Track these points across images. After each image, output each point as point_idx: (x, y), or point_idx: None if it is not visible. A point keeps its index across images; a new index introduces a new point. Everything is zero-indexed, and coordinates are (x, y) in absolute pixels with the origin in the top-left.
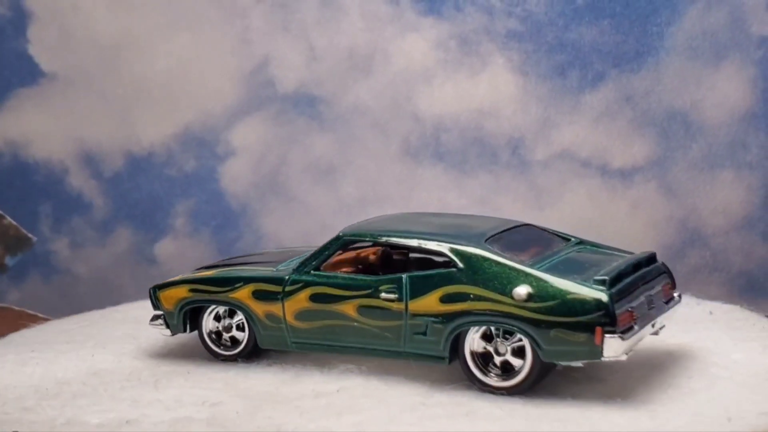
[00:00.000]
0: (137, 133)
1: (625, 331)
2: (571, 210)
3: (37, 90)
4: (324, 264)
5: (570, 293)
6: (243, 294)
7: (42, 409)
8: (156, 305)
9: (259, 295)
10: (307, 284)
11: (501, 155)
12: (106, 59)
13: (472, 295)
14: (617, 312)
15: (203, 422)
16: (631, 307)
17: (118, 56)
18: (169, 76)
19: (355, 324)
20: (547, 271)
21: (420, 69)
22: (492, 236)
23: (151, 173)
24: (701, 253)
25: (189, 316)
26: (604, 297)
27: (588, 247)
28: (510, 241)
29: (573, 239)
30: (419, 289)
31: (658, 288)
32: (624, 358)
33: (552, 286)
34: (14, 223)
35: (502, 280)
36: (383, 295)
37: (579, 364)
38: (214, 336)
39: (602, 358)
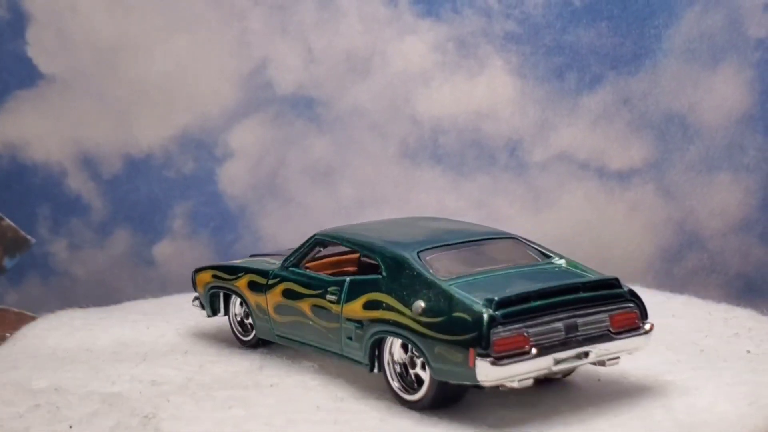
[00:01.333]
0: (135, 135)
1: (507, 357)
2: (569, 212)
3: (36, 92)
4: (304, 261)
5: (456, 311)
6: (241, 283)
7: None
8: (194, 287)
9: (251, 286)
10: (282, 279)
11: (499, 157)
12: (104, 61)
13: (384, 304)
14: (493, 334)
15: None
16: (528, 333)
17: (117, 58)
18: (168, 78)
19: (310, 322)
20: (462, 286)
21: (418, 71)
22: (439, 245)
23: (149, 175)
24: (699, 255)
25: (220, 300)
26: (481, 317)
27: (561, 267)
28: (463, 252)
29: (554, 257)
30: (353, 293)
31: (600, 316)
32: (516, 385)
33: (445, 303)
34: (13, 224)
35: (410, 292)
36: (328, 296)
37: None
38: (238, 321)
39: (478, 383)
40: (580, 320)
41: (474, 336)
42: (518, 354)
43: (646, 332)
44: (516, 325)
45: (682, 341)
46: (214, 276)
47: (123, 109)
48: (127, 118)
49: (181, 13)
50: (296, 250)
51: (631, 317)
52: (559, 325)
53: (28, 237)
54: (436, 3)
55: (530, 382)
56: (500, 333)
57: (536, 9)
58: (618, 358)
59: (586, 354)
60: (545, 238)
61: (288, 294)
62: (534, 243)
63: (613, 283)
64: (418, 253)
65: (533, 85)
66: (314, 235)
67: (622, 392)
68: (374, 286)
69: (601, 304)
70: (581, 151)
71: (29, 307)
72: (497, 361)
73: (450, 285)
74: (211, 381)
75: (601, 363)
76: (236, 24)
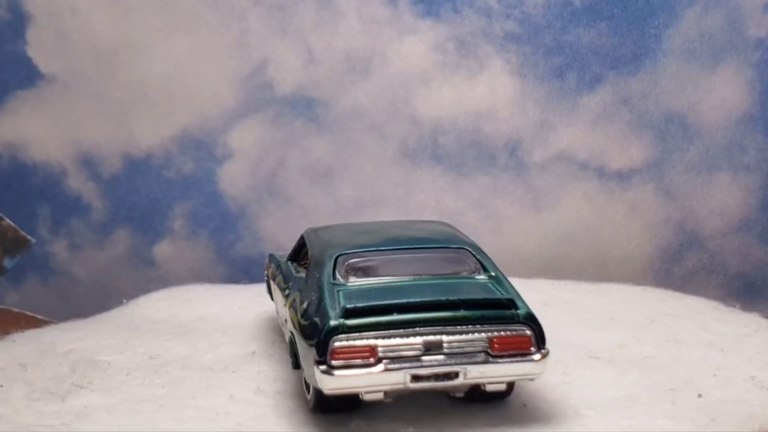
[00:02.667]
0: (135, 136)
1: (348, 367)
2: (569, 212)
3: (35, 92)
4: (300, 256)
5: (317, 316)
6: (270, 272)
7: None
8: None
9: (273, 276)
10: (279, 270)
11: (499, 157)
12: (104, 62)
13: (294, 302)
14: (332, 342)
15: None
16: (378, 345)
17: (116, 59)
18: (167, 79)
19: (284, 315)
20: (347, 293)
21: (418, 71)
22: (371, 250)
23: (149, 175)
24: (698, 255)
25: (270, 286)
26: (325, 324)
27: (477, 282)
28: (395, 258)
29: (489, 272)
30: (293, 290)
31: (475, 336)
32: (366, 397)
33: (315, 306)
34: (13, 224)
35: (307, 293)
36: (286, 291)
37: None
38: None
39: (326, 392)
40: (447, 338)
41: (316, 342)
42: (362, 365)
43: (535, 360)
44: (363, 336)
45: None
46: (270, 265)
47: (123, 109)
48: (127, 119)
49: (180, 13)
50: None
51: (519, 341)
52: (417, 340)
53: (28, 237)
54: (436, 3)
55: (380, 395)
56: (342, 342)
57: (536, 9)
58: (503, 384)
59: (455, 374)
60: (545, 238)
61: (277, 285)
62: (482, 255)
63: (504, 304)
64: (338, 256)
65: (533, 85)
66: (304, 232)
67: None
68: (297, 285)
69: (479, 325)
70: (581, 151)
71: (29, 307)
72: (334, 369)
73: (337, 290)
74: (179, 361)
75: (480, 387)
76: (236, 24)
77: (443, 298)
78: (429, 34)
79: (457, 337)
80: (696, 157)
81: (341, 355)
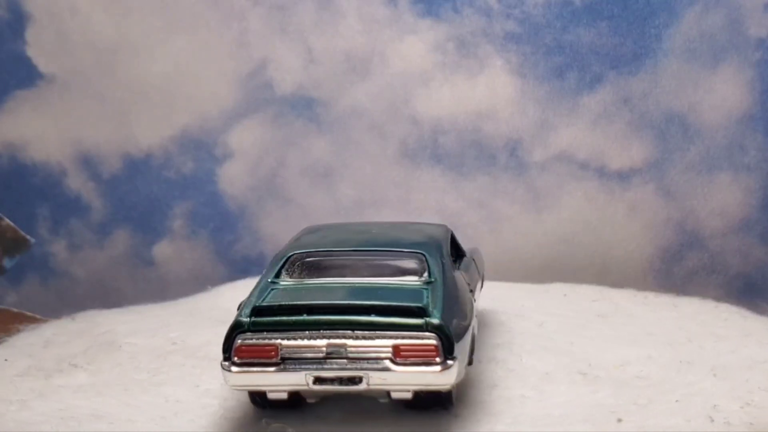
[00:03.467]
0: (135, 136)
1: (251, 365)
2: (569, 212)
3: (35, 92)
4: None
5: (237, 313)
6: None
7: None
8: None
9: None
10: None
11: (499, 157)
12: (103, 61)
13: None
14: (237, 340)
15: None
16: (281, 345)
17: (116, 58)
18: (167, 79)
19: None
20: (278, 291)
21: (418, 71)
22: (327, 251)
23: (149, 175)
24: (699, 255)
25: None
26: (234, 322)
27: (409, 287)
28: (348, 260)
29: (431, 278)
30: None
31: (380, 342)
32: (273, 396)
33: (242, 305)
34: (12, 224)
35: (253, 290)
36: None
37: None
38: None
39: (230, 387)
40: (351, 342)
41: (224, 339)
42: (263, 364)
43: (439, 369)
44: (267, 335)
45: None
46: None
47: (122, 109)
48: (126, 119)
49: (180, 13)
50: None
51: (424, 350)
52: (321, 342)
53: (28, 237)
54: (436, 3)
55: (284, 395)
56: (246, 340)
57: (536, 9)
58: (410, 392)
59: (359, 379)
60: (545, 238)
61: None
62: (434, 260)
63: (414, 311)
64: (290, 255)
65: (533, 84)
66: (303, 228)
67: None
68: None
69: (385, 331)
70: (581, 151)
71: (29, 307)
72: (237, 367)
73: (271, 289)
74: (194, 349)
75: (386, 393)
76: (235, 25)
77: (352, 302)
78: (429, 34)
79: (362, 342)
80: (696, 157)
81: (244, 353)
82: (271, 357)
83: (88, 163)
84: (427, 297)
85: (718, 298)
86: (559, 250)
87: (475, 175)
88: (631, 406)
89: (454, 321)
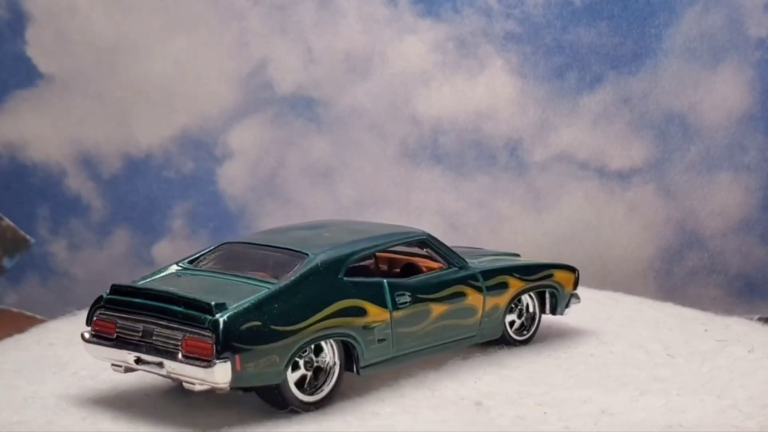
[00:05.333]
0: (135, 135)
1: (99, 338)
2: (569, 212)
3: (35, 92)
4: None
5: None
6: None
7: None
8: None
9: None
10: None
11: (499, 157)
12: (103, 61)
13: None
14: (95, 314)
15: None
16: (118, 323)
17: (116, 58)
18: (167, 79)
19: None
20: (171, 276)
21: (418, 71)
22: (256, 243)
23: (148, 175)
24: (699, 255)
25: None
26: (97, 297)
27: (255, 286)
28: (251, 252)
29: (287, 280)
30: None
31: (174, 333)
32: (113, 369)
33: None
34: (12, 224)
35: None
36: None
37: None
38: None
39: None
40: (157, 330)
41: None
42: (106, 339)
43: (205, 367)
44: (110, 313)
45: None
46: None
47: (122, 109)
48: (126, 119)
49: (180, 13)
50: None
51: (201, 346)
52: (139, 326)
53: (28, 237)
54: (436, 3)
55: (121, 369)
56: (98, 315)
57: (536, 8)
58: (194, 384)
59: (162, 365)
60: (545, 238)
61: None
62: (302, 264)
63: (204, 307)
64: (225, 243)
65: (533, 84)
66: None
67: None
68: None
69: (181, 323)
70: (581, 151)
71: (29, 307)
72: (90, 338)
73: (167, 270)
74: None
75: (180, 382)
76: (235, 24)
77: (172, 292)
78: (429, 34)
79: (165, 330)
80: (696, 157)
81: (96, 326)
82: (110, 333)
83: (88, 163)
84: (247, 297)
85: (718, 298)
86: (559, 250)
87: (475, 175)
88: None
89: (258, 324)
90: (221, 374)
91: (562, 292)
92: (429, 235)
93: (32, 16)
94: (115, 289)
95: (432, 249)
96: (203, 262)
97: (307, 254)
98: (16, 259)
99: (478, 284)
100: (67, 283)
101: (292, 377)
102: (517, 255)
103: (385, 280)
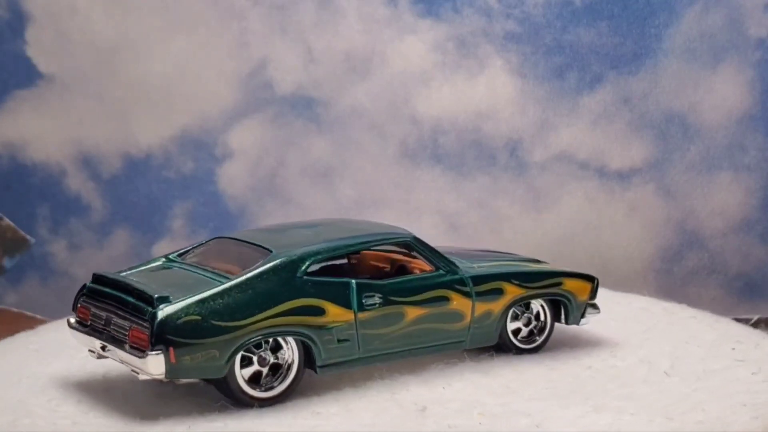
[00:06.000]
0: (135, 135)
1: (78, 323)
2: (569, 212)
3: (35, 92)
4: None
5: None
6: None
7: None
8: None
9: None
10: None
11: (499, 157)
12: (103, 61)
13: None
14: (77, 299)
15: None
16: (91, 310)
17: (116, 58)
18: (167, 79)
19: None
20: (156, 268)
21: (418, 71)
22: (243, 240)
23: (148, 175)
24: (699, 255)
25: None
26: (82, 285)
27: (215, 282)
28: (236, 249)
29: (239, 277)
30: None
31: (125, 323)
32: (90, 354)
33: None
34: (12, 224)
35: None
36: None
37: None
38: None
39: None
40: (114, 319)
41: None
42: (83, 325)
43: (140, 356)
44: (88, 301)
45: None
46: None
47: (122, 109)
48: (126, 119)
49: (180, 13)
50: None
51: (141, 337)
52: (104, 315)
53: (28, 237)
54: (436, 3)
55: (95, 355)
56: (80, 302)
57: (536, 8)
58: (138, 373)
59: (103, 347)
60: (545, 238)
61: None
62: (264, 263)
63: (149, 299)
64: (216, 238)
65: (533, 84)
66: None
67: None
68: None
69: (129, 313)
70: (581, 151)
71: (29, 307)
72: (73, 324)
73: (154, 263)
74: None
75: (100, 356)
76: (235, 24)
77: (132, 284)
78: (429, 34)
79: (119, 320)
80: (696, 157)
81: (78, 313)
82: (87, 320)
83: (88, 163)
84: (192, 291)
85: (718, 298)
86: (559, 250)
87: (475, 175)
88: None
89: (198, 319)
90: (155, 365)
91: (575, 302)
92: (415, 238)
93: (32, 16)
94: (96, 278)
95: (418, 252)
96: (189, 256)
97: (271, 251)
98: (16, 259)
99: (466, 289)
100: (67, 283)
101: (243, 372)
102: (538, 261)
103: (353, 281)
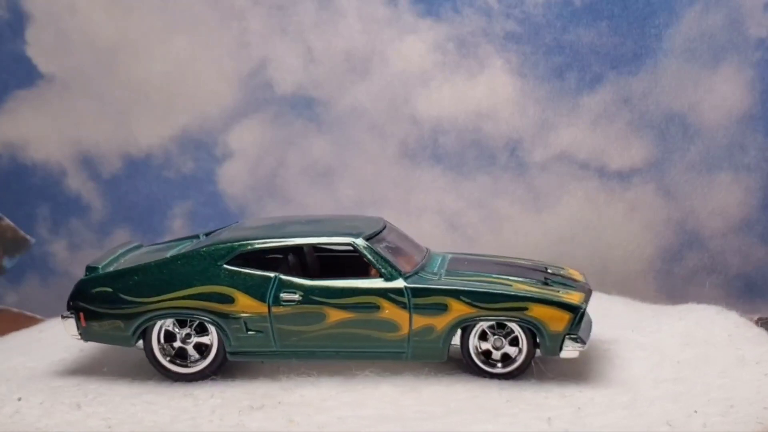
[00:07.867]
0: (135, 135)
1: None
2: (569, 212)
3: (35, 92)
4: None
5: None
6: None
7: None
8: None
9: None
10: None
11: (499, 157)
12: (103, 61)
13: None
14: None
15: None
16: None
17: (116, 58)
18: (167, 79)
19: None
20: (142, 255)
21: (418, 71)
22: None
23: (148, 175)
24: (699, 255)
25: None
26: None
27: None
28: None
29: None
30: None
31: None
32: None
33: None
34: (12, 224)
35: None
36: None
37: None
38: None
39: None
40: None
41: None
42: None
43: (63, 318)
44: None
45: None
46: None
47: (122, 109)
48: (126, 119)
49: (180, 13)
50: None
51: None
52: None
53: (28, 237)
54: (436, 3)
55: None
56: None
57: (536, 8)
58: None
59: None
60: (545, 238)
61: None
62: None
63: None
64: (205, 233)
65: (533, 84)
66: None
67: None
68: None
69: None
70: (581, 151)
71: (29, 307)
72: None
73: (149, 250)
74: None
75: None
76: (235, 24)
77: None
78: (429, 34)
79: None
80: (696, 157)
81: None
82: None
83: (88, 163)
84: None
85: (718, 298)
86: (559, 250)
87: (475, 175)
88: None
89: (109, 291)
90: (69, 326)
91: (546, 331)
92: (363, 242)
93: (32, 16)
94: (88, 268)
95: (363, 255)
96: (172, 242)
97: (198, 237)
98: (16, 259)
99: (402, 299)
100: (67, 283)
101: (163, 348)
102: (562, 268)
103: (276, 276)
